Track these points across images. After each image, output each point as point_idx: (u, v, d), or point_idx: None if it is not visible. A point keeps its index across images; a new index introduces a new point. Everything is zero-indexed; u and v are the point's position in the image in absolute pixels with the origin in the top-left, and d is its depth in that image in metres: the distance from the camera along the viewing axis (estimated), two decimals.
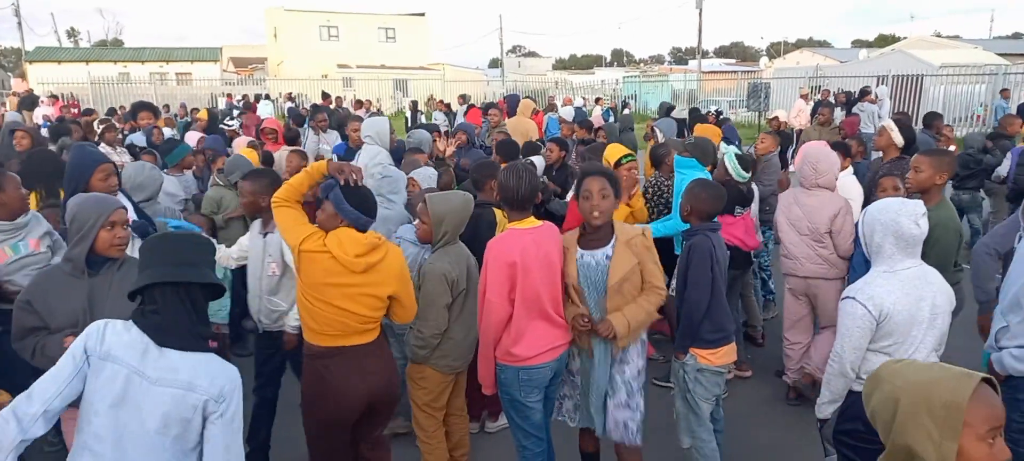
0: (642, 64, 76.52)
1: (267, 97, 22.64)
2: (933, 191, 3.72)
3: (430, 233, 3.30)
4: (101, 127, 7.56)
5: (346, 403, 2.93)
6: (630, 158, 4.90)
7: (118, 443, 1.93)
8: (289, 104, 21.77)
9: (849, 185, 4.85)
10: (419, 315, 3.23)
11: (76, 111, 14.79)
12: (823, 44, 71.30)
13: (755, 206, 5.37)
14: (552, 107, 16.13)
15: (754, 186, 5.49)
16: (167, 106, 20.02)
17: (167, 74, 36.17)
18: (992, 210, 8.09)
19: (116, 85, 29.20)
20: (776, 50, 63.95)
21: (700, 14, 34.78)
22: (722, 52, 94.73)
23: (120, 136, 7.81)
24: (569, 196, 4.69)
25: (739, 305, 5.62)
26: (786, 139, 9.40)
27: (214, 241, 3.15)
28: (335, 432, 3.01)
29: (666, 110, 11.26)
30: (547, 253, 3.02)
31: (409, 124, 16.92)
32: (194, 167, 6.46)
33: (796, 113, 14.62)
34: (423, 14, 45.42)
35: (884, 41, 59.06)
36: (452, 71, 39.90)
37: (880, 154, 5.82)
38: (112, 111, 14.56)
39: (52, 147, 6.54)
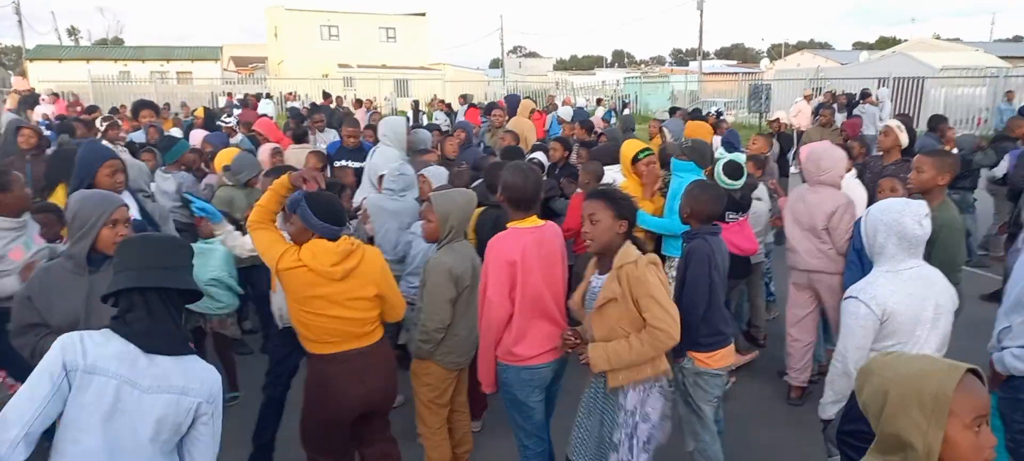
0: (643, 65, 76.53)
1: (267, 96, 22.64)
2: (936, 192, 3.72)
3: (437, 231, 3.33)
4: (104, 124, 7.55)
5: (345, 404, 2.99)
6: (647, 153, 4.73)
7: (111, 457, 1.89)
8: (291, 103, 21.77)
9: (852, 187, 4.84)
10: (423, 310, 3.28)
11: (80, 109, 14.79)
12: (824, 46, 71.29)
13: (763, 206, 5.36)
14: (554, 107, 16.14)
15: (763, 187, 5.47)
16: (168, 105, 20.02)
17: (168, 73, 36.20)
18: (994, 211, 8.13)
19: (116, 84, 29.23)
20: (777, 52, 63.99)
21: (701, 15, 34.84)
22: (723, 53, 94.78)
23: (122, 134, 7.81)
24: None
25: (744, 307, 5.63)
26: (787, 141, 9.41)
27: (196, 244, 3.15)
28: (334, 432, 3.08)
29: (683, 111, 11.28)
30: (549, 252, 3.02)
31: (411, 124, 16.91)
32: (196, 165, 6.45)
33: (796, 113, 14.62)
34: (424, 14, 45.45)
35: (885, 43, 59.11)
36: (453, 71, 39.95)
37: (879, 154, 5.83)
38: (114, 110, 14.56)
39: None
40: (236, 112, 12.96)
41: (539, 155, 6.04)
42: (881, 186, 4.13)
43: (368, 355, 2.98)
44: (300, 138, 7.65)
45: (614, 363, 2.74)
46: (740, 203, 4.70)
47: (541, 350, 2.99)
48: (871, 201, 4.45)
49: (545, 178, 5.81)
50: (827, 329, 5.11)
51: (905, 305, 2.61)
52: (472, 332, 3.36)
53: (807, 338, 4.56)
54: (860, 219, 4.11)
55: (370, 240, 4.57)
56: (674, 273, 3.91)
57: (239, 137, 8.22)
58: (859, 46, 64.89)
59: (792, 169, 8.78)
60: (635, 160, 4.70)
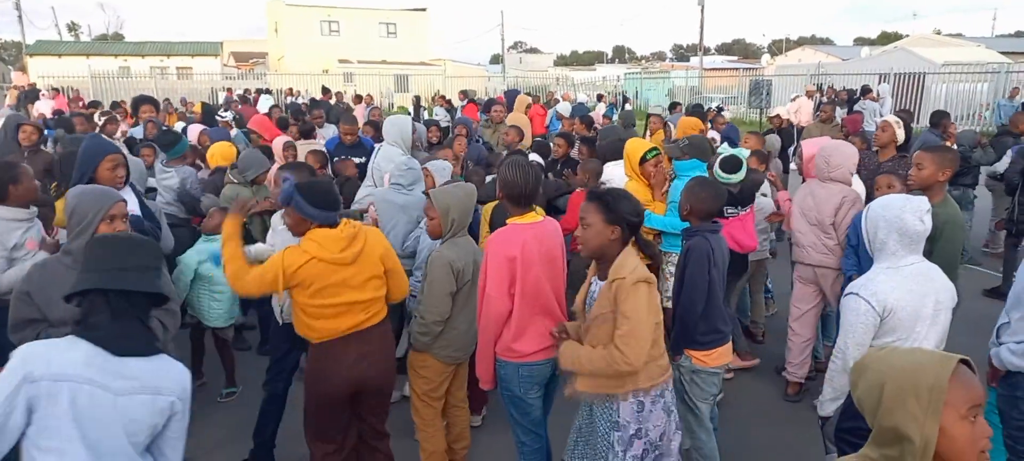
0: (644, 61, 76.42)
1: (267, 92, 22.61)
2: (936, 188, 3.70)
3: (440, 227, 3.33)
4: (102, 119, 7.55)
5: (350, 376, 3.03)
6: (655, 153, 4.57)
7: None
8: (290, 99, 21.76)
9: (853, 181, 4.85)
10: (423, 302, 3.29)
11: (82, 105, 14.80)
12: (825, 41, 71.25)
13: (768, 202, 5.35)
14: (555, 102, 16.13)
15: (768, 185, 5.45)
16: (168, 101, 20.01)
17: (168, 68, 36.14)
18: (992, 207, 8.13)
19: (116, 79, 29.22)
20: (778, 47, 63.86)
21: (702, 11, 34.75)
22: (724, 49, 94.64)
23: (124, 128, 7.81)
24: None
25: (747, 303, 5.62)
26: (787, 136, 9.40)
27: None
28: (335, 407, 3.10)
29: (685, 107, 11.26)
30: (549, 249, 3.01)
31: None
32: (192, 160, 6.45)
33: (796, 109, 14.59)
34: (424, 9, 45.41)
35: (886, 39, 58.96)
36: (453, 67, 39.89)
37: (875, 150, 5.82)
38: (116, 105, 14.57)
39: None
40: (237, 107, 12.97)
41: (534, 156, 6.01)
42: (878, 183, 4.12)
43: (371, 334, 3.04)
44: (306, 134, 7.70)
45: (574, 366, 2.63)
46: (739, 198, 4.68)
47: (540, 347, 2.98)
48: (869, 197, 4.45)
49: (552, 178, 5.83)
50: (826, 326, 5.12)
51: (905, 301, 2.61)
52: (471, 327, 3.36)
53: (807, 333, 4.56)
54: (861, 214, 4.12)
55: None
56: (673, 269, 3.90)
57: (235, 132, 8.23)
58: (860, 42, 64.74)
59: (792, 165, 8.76)
60: (643, 161, 4.55)
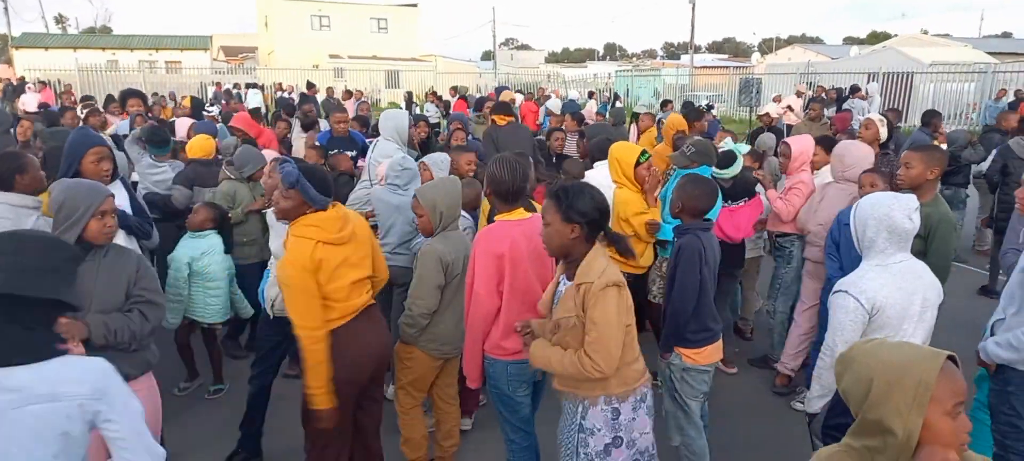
0: (635, 58, 76.51)
1: (255, 86, 22.48)
2: (926, 187, 3.71)
3: (429, 224, 3.32)
4: (85, 112, 7.47)
5: (373, 353, 3.03)
6: (647, 156, 4.37)
7: None
8: (280, 93, 21.65)
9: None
10: (411, 294, 3.29)
11: (72, 100, 14.66)
12: (815, 40, 71.61)
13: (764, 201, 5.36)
14: (546, 98, 16.12)
15: (764, 174, 5.43)
16: (157, 93, 19.84)
17: (156, 62, 35.79)
18: (979, 205, 8.21)
19: (104, 73, 28.91)
20: (768, 46, 64.11)
21: (693, 9, 34.83)
22: (714, 47, 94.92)
23: (114, 121, 7.76)
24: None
25: (738, 301, 5.63)
26: (777, 134, 9.43)
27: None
28: (351, 391, 3.04)
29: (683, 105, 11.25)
30: (538, 245, 2.98)
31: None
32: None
33: (784, 108, 14.64)
34: (415, 5, 45.26)
35: (876, 38, 59.30)
36: (444, 63, 39.80)
37: None
38: (112, 99, 14.45)
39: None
40: (226, 101, 12.88)
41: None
42: (861, 181, 4.12)
43: (371, 312, 3.07)
44: (309, 128, 7.80)
45: (544, 366, 2.58)
46: (731, 193, 4.70)
47: None
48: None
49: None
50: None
51: (894, 299, 2.61)
52: (460, 323, 3.35)
53: (807, 326, 4.58)
54: (845, 212, 4.13)
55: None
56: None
57: (220, 126, 8.21)
58: (850, 41, 65.22)
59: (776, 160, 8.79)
60: (636, 165, 4.29)
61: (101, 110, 8.12)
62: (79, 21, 69.38)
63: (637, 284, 4.23)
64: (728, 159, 4.74)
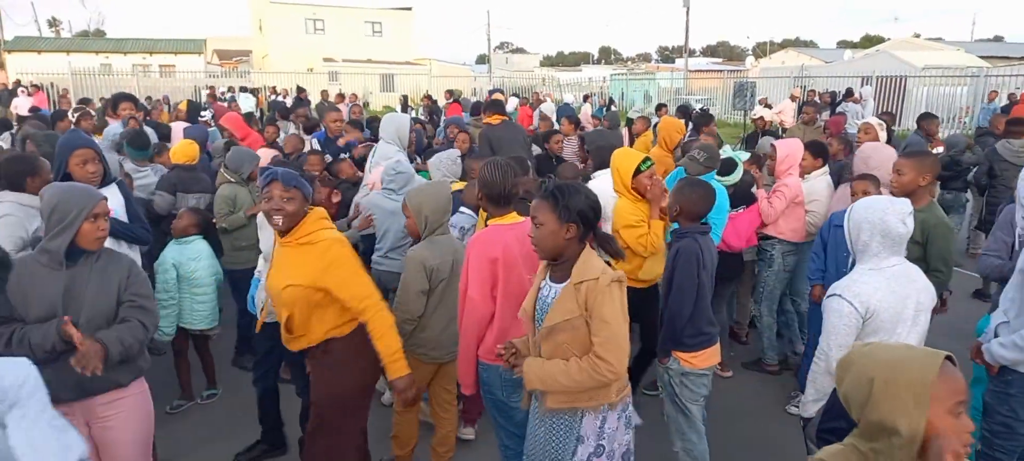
0: (629, 62, 76.64)
1: (247, 90, 22.44)
2: (919, 193, 3.70)
3: (416, 227, 3.33)
4: (76, 115, 7.44)
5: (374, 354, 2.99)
6: (649, 163, 4.11)
7: None
8: (274, 97, 21.61)
9: (820, 186, 4.90)
10: (396, 300, 3.30)
11: (67, 105, 14.61)
12: (809, 44, 71.87)
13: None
14: (540, 102, 16.12)
15: (763, 175, 5.43)
16: (161, 98, 19.78)
17: (150, 66, 35.66)
18: (972, 209, 8.24)
19: (98, 77, 28.75)
20: (762, 50, 64.32)
21: (687, 13, 34.89)
22: (709, 51, 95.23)
23: (95, 125, 7.72)
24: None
25: (733, 305, 5.63)
26: (774, 137, 9.45)
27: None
28: (370, 396, 3.12)
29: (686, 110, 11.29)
30: (531, 250, 2.98)
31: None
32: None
33: (778, 111, 14.70)
34: (410, 9, 45.22)
35: (869, 42, 59.58)
36: (439, 66, 39.75)
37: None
38: (114, 101, 14.40)
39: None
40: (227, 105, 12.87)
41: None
42: (854, 188, 4.13)
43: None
44: (310, 130, 7.91)
45: (548, 386, 2.42)
46: (732, 199, 4.70)
47: None
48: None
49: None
50: (803, 322, 5.16)
51: (888, 303, 2.61)
52: (448, 327, 3.34)
53: None
54: (834, 217, 4.14)
55: (360, 240, 4.56)
56: None
57: (212, 129, 8.24)
58: (843, 45, 65.46)
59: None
60: (636, 173, 4.03)
61: (93, 113, 8.07)
62: (72, 25, 69.19)
63: (646, 300, 4.06)
64: (729, 167, 4.75)
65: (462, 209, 4.28)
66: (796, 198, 4.72)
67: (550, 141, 7.05)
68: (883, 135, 5.63)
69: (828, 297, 2.71)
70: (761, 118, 10.09)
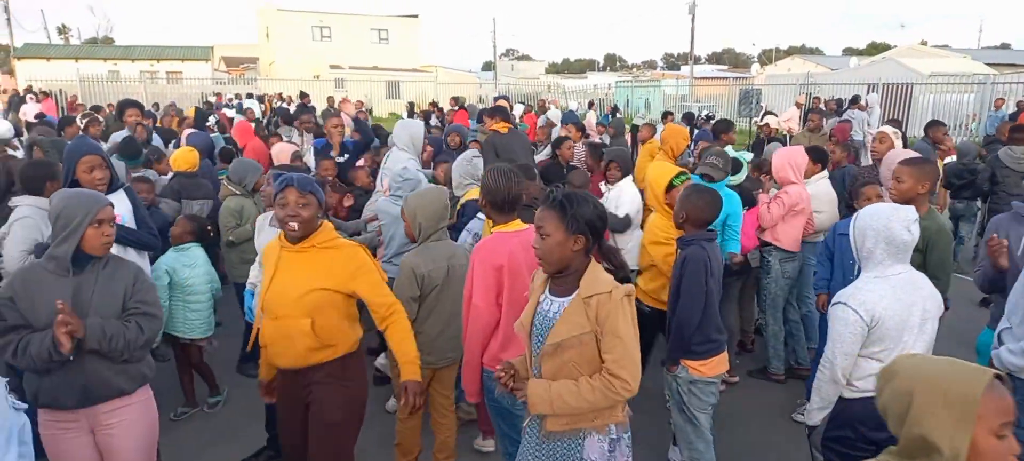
0: (635, 69, 76.68)
1: (253, 97, 22.55)
2: (918, 200, 3.68)
3: (411, 231, 3.35)
4: (84, 122, 7.49)
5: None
6: (683, 177, 4.05)
7: None
8: (280, 103, 21.70)
9: (819, 190, 4.91)
10: None
11: (79, 110, 14.72)
12: (815, 51, 71.76)
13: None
14: (546, 109, 16.14)
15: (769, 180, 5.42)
16: (169, 103, 19.90)
17: (157, 73, 35.85)
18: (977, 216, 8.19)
19: (106, 83, 28.93)
20: (768, 57, 64.28)
21: (693, 20, 34.95)
22: (714, 58, 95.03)
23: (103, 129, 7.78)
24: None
25: (736, 312, 5.61)
26: (781, 144, 9.44)
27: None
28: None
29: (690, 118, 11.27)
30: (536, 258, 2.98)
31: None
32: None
33: (786, 119, 14.67)
34: (416, 16, 45.38)
35: (875, 49, 59.49)
36: (445, 73, 39.88)
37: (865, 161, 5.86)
38: (120, 108, 14.52)
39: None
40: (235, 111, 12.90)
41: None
42: (865, 193, 4.11)
43: None
44: (316, 137, 7.90)
45: (557, 408, 2.24)
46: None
47: None
48: (849, 207, 4.46)
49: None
50: (808, 328, 5.14)
51: (893, 311, 2.60)
52: (443, 333, 3.35)
53: None
54: (840, 224, 4.13)
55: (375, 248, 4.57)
56: None
57: (216, 135, 8.27)
58: (849, 52, 65.38)
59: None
60: (670, 187, 3.95)
61: (101, 120, 8.11)
62: (81, 31, 69.50)
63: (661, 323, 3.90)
64: (735, 167, 4.78)
65: (480, 216, 4.28)
66: (796, 206, 4.70)
67: (561, 147, 7.04)
68: (899, 142, 5.60)
69: (833, 305, 2.70)
70: (767, 125, 10.07)
